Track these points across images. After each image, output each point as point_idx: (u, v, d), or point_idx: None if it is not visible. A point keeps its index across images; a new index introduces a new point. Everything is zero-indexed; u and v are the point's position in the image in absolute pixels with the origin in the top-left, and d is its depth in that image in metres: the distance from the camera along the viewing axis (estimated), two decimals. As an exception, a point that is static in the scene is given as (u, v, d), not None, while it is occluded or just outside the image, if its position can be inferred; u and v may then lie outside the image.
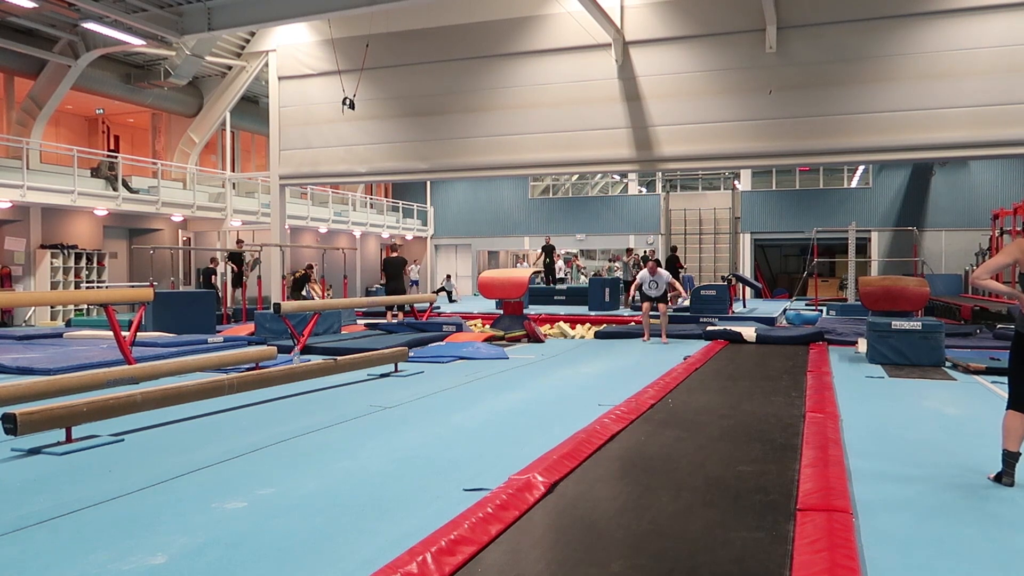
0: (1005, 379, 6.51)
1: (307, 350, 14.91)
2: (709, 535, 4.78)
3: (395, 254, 21.76)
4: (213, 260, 24.46)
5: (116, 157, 25.61)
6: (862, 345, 15.08)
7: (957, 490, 5.90)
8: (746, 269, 37.20)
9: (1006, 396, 6.15)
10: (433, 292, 33.64)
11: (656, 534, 4.81)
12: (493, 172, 22.22)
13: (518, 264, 44.80)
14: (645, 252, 32.02)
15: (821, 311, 24.47)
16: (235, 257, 23.90)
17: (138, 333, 14.14)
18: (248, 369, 11.98)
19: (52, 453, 7.13)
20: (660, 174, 38.95)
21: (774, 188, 37.89)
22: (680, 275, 27.36)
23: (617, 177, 41.75)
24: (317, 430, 8.11)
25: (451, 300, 33.66)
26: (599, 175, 41.65)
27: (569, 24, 20.32)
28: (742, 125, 19.19)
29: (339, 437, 7.75)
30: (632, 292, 18.89)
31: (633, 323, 20.84)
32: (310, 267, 26.89)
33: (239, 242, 24.30)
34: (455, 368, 13.27)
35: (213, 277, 24.26)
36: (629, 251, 31.73)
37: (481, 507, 5.04)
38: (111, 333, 13.66)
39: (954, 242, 34.17)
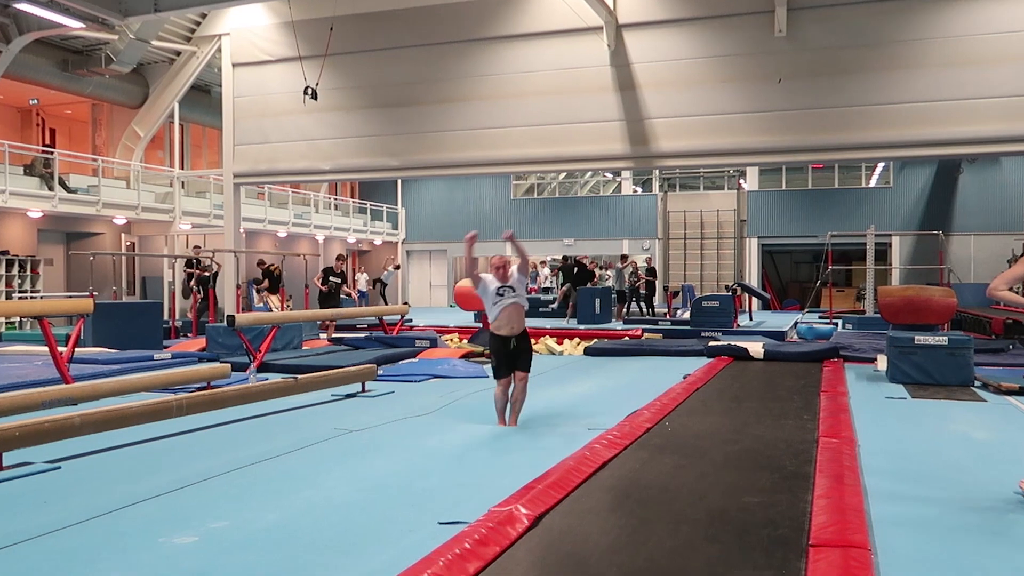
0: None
1: (264, 367, 14.87)
2: (712, 574, 4.79)
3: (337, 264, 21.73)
4: (196, 263, 24.05)
5: (52, 153, 25.52)
6: (882, 362, 15.12)
7: (986, 523, 5.93)
8: (753, 278, 37.30)
9: None
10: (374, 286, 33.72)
11: (653, 573, 4.83)
12: (471, 170, 22.23)
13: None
14: (647, 260, 31.98)
15: (836, 324, 24.54)
16: (190, 265, 23.83)
17: (76, 349, 14.08)
18: (199, 389, 11.95)
19: (-21, 483, 7.11)
20: (657, 172, 38.90)
21: (784, 188, 38.03)
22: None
23: (609, 175, 41.83)
24: (276, 456, 8.11)
25: (384, 289, 33.84)
26: (589, 173, 41.68)
27: (556, 5, 20.33)
28: (748, 117, 19.19)
29: (300, 464, 7.74)
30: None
31: (627, 338, 20.87)
32: (197, 246, 25.52)
33: (196, 248, 24.22)
34: (429, 387, 13.28)
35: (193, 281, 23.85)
36: (624, 258, 31.74)
37: (458, 542, 5.04)
38: (46, 348, 13.60)
39: (984, 247, 34.28)
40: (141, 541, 5.51)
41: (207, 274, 23.17)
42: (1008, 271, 6.29)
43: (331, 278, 21.56)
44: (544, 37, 20.69)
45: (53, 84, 26.79)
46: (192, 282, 23.34)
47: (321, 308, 21.10)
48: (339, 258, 22.21)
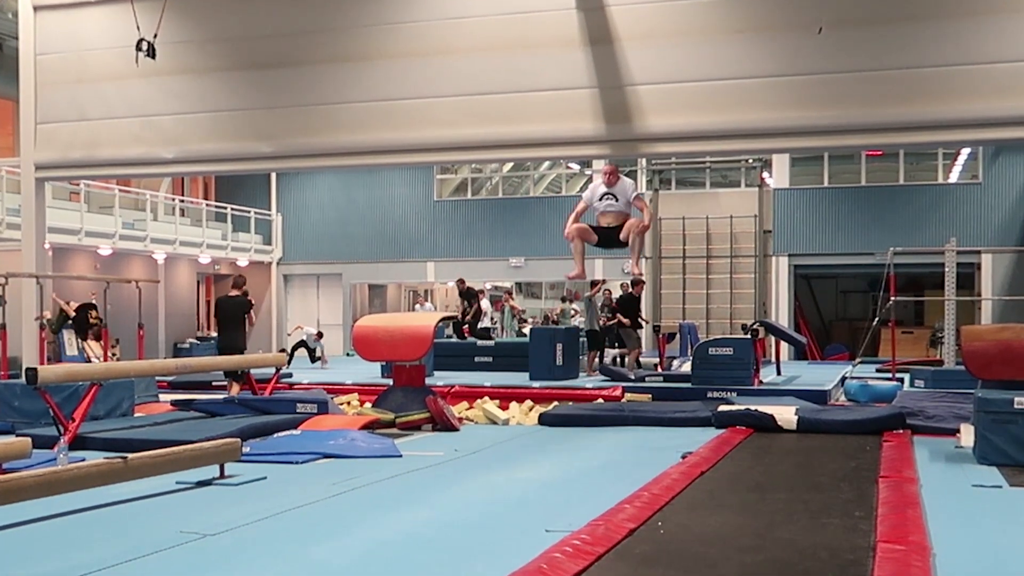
0: None
1: (80, 443, 14.80)
2: None
3: (235, 293, 21.60)
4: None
5: None
6: (967, 435, 15.18)
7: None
8: (782, 314, 37.47)
9: None
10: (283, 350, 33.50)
11: None
12: (377, 159, 22.23)
13: (417, 306, 44.58)
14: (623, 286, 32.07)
15: (901, 381, 24.72)
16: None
17: None
18: (-17, 475, 11.90)
19: None
20: (644, 162, 39.06)
21: (826, 184, 38.26)
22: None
23: (575, 167, 41.97)
24: (96, 571, 8.06)
25: (313, 360, 33.45)
26: (546, 164, 41.74)
27: (499, -78, 20.41)
28: (775, 84, 19.16)
29: (130, 584, 7.73)
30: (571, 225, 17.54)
31: (601, 400, 20.89)
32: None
33: None
34: (317, 471, 13.28)
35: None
36: (595, 284, 31.69)
37: None
38: None
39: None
40: None
41: None
42: None
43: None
44: (483, -32, 20.73)
45: None
46: None
47: (226, 353, 20.88)
48: (242, 280, 21.83)
